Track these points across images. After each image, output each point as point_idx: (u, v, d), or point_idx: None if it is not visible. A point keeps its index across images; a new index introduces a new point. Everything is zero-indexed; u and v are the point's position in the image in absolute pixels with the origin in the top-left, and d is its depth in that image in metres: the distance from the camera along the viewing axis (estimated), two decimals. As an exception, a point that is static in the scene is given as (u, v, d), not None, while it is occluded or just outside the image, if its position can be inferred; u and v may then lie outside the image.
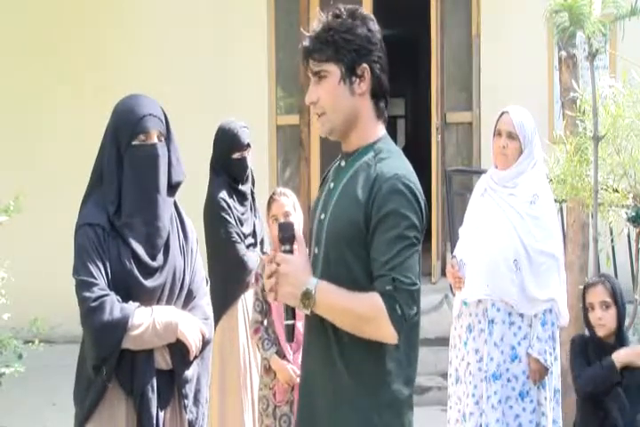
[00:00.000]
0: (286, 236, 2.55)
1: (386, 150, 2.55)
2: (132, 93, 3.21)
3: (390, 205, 2.44)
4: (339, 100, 2.55)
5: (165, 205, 3.12)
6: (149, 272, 3.05)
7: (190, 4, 8.26)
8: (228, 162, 4.75)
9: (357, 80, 2.54)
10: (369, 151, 2.56)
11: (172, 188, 3.15)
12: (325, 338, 2.54)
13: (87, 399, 3.02)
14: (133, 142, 3.06)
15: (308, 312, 2.49)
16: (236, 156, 4.75)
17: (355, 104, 2.56)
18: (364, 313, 2.42)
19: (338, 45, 2.52)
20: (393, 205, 2.44)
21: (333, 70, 2.54)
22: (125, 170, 3.07)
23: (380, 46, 2.56)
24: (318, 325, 2.56)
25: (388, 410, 2.50)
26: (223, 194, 4.70)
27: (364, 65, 2.53)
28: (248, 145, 4.79)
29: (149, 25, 8.30)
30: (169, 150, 3.13)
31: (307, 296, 2.45)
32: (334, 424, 2.54)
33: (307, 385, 2.66)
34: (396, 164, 2.51)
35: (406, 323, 2.42)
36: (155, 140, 3.09)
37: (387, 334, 2.42)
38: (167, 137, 3.14)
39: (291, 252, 2.53)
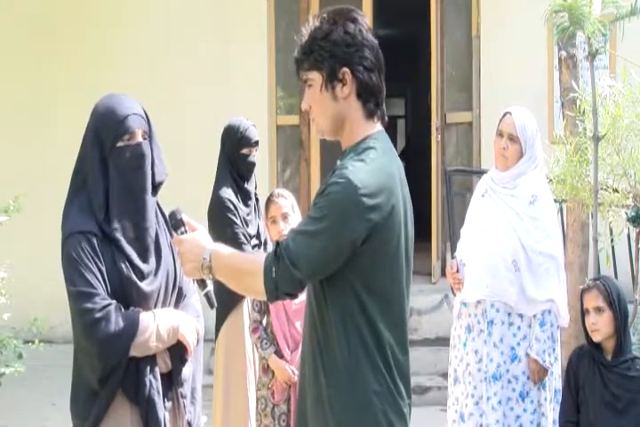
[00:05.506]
0: (174, 222, 2.75)
1: (366, 150, 2.56)
2: (110, 93, 3.13)
3: (318, 200, 2.51)
4: (323, 106, 2.60)
5: (151, 204, 3.08)
6: (145, 276, 3.01)
7: (190, 4, 8.26)
8: (235, 157, 4.76)
9: (339, 85, 2.57)
10: (351, 151, 2.59)
11: (154, 187, 3.09)
12: (314, 337, 2.60)
13: (92, 412, 2.95)
14: (118, 144, 2.99)
15: (211, 280, 2.65)
16: (244, 151, 4.77)
17: (339, 109, 2.59)
18: (247, 268, 2.56)
19: (316, 53, 2.56)
20: (319, 202, 2.50)
21: (317, 78, 2.59)
22: (111, 172, 2.99)
23: (363, 46, 2.56)
24: (310, 323, 2.62)
25: (359, 410, 2.54)
26: (229, 194, 4.70)
27: (344, 69, 2.55)
28: (256, 143, 4.82)
29: (149, 25, 8.29)
30: (152, 149, 3.06)
31: (204, 266, 2.59)
32: (316, 422, 2.60)
33: (301, 383, 2.71)
34: (358, 165, 2.51)
35: (277, 291, 2.50)
36: (139, 139, 3.01)
37: (258, 288, 2.51)
38: (149, 136, 3.07)
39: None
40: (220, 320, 4.70)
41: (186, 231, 2.71)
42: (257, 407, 4.38)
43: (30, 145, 8.28)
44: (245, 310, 4.69)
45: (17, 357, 5.40)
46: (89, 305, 2.89)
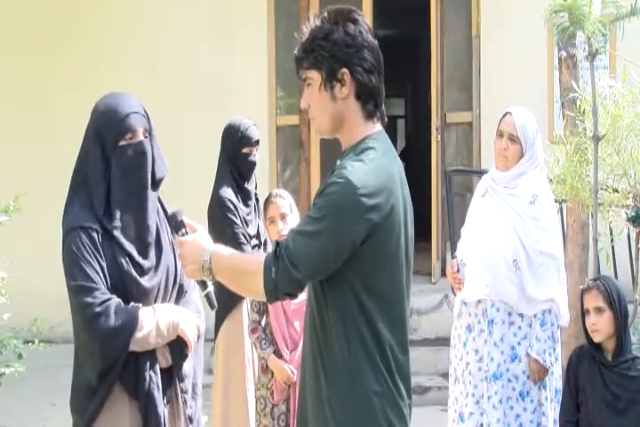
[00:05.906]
0: (175, 224, 2.75)
1: (366, 150, 2.56)
2: (110, 92, 3.14)
3: (317, 200, 2.51)
4: (322, 106, 2.60)
5: (152, 201, 3.09)
6: (145, 272, 3.02)
7: (190, 4, 8.26)
8: (236, 156, 4.76)
9: (338, 85, 2.57)
10: (351, 151, 2.59)
11: (155, 183, 3.11)
12: (314, 337, 2.60)
13: (90, 407, 2.96)
14: (120, 143, 3.00)
15: (211, 281, 2.66)
16: (245, 150, 4.77)
17: (338, 109, 2.59)
18: (247, 269, 2.56)
19: (316, 53, 2.57)
20: (318, 202, 2.50)
21: (316, 77, 2.59)
22: (113, 171, 3.01)
23: (363, 47, 2.57)
24: (310, 324, 2.62)
25: (359, 410, 2.54)
26: (229, 194, 4.70)
27: (344, 69, 2.56)
28: (257, 142, 4.82)
29: (149, 25, 8.29)
30: (152, 147, 3.08)
31: (205, 267, 2.59)
32: (316, 422, 2.60)
33: (302, 384, 2.72)
34: (357, 165, 2.51)
35: (277, 291, 2.50)
36: (141, 137, 3.03)
37: (258, 289, 2.51)
38: (150, 134, 3.08)
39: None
40: (220, 320, 4.70)
41: (187, 233, 2.72)
42: (256, 407, 4.38)
43: (30, 145, 8.28)
44: (245, 311, 4.69)
45: (17, 357, 5.39)
46: (89, 299, 2.90)
